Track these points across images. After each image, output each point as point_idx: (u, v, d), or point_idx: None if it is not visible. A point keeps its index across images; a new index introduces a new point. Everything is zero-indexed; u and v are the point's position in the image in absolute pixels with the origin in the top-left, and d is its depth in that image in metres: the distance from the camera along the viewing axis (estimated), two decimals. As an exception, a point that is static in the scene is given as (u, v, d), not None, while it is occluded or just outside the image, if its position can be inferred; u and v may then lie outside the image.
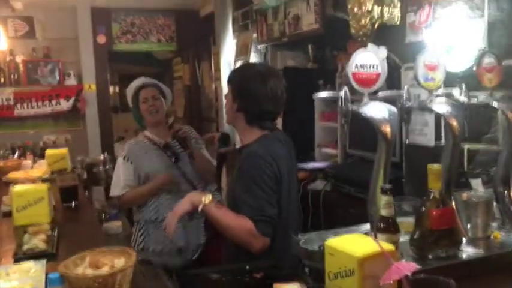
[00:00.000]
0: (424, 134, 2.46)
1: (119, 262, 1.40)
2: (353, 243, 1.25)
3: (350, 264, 1.18)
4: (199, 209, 1.72)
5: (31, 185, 2.32)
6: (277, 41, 3.97)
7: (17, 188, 2.20)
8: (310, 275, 1.39)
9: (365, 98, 1.50)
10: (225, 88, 4.93)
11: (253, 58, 4.37)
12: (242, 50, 4.44)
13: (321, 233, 1.59)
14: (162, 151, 2.66)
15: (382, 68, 1.52)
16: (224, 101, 2.04)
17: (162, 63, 7.07)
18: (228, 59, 4.79)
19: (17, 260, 1.71)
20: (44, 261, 1.60)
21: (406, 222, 1.76)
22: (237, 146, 2.21)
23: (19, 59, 4.79)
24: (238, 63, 4.49)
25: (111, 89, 6.80)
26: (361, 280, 1.15)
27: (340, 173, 3.11)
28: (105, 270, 1.36)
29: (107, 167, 3.88)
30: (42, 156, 4.38)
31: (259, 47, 4.29)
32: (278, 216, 1.76)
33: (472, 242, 1.55)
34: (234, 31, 4.73)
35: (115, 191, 2.64)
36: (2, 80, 4.69)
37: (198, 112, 5.98)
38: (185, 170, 2.65)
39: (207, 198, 1.73)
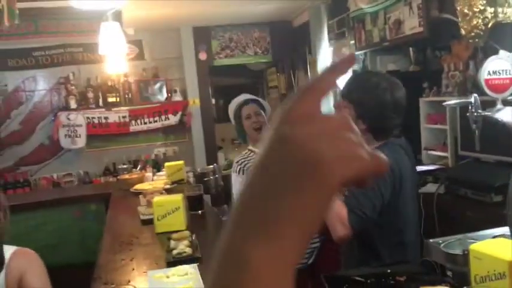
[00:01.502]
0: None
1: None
2: (499, 247, 1.29)
3: (500, 268, 1.22)
4: None
5: (168, 196, 2.56)
6: (377, 47, 3.98)
7: (157, 199, 2.44)
8: (453, 278, 1.44)
9: (498, 103, 1.52)
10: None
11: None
12: (339, 58, 4.50)
13: (458, 237, 1.63)
14: None
15: (514, 73, 1.53)
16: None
17: (255, 73, 7.31)
18: (324, 67, 4.87)
19: (169, 263, 1.91)
20: (195, 264, 1.80)
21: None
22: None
23: (132, 79, 5.23)
24: (337, 70, 4.55)
25: (210, 101, 7.14)
26: (514, 283, 1.19)
27: (455, 175, 3.06)
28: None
29: (217, 175, 4.13)
30: (155, 168, 4.75)
31: (357, 53, 4.33)
32: (386, 223, 1.82)
33: None
34: (329, 39, 4.80)
35: None
36: (118, 99, 5.15)
37: (295, 119, 6.11)
38: None
39: None
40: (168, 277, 1.72)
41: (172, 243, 2.09)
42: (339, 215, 1.77)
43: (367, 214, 1.77)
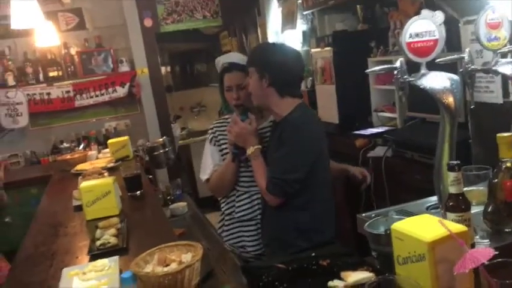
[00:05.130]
0: (491, 91, 2.31)
1: (186, 257, 1.43)
2: (422, 226, 1.19)
3: (420, 249, 1.13)
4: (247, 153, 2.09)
5: (97, 180, 2.40)
6: (323, 5, 3.81)
7: (85, 184, 2.29)
8: (377, 259, 1.36)
9: (422, 68, 1.41)
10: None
11: (300, 25, 4.25)
12: (288, 18, 4.32)
13: (388, 211, 1.55)
14: None
15: (439, 34, 1.41)
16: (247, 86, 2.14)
17: (209, 38, 7.05)
18: (274, 29, 4.69)
19: (92, 256, 1.78)
20: (116, 257, 1.66)
21: (476, 190, 1.67)
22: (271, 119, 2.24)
23: (73, 51, 4.92)
24: (286, 32, 4.38)
25: (162, 69, 6.88)
26: (434, 265, 1.11)
27: (402, 137, 2.99)
28: (173, 266, 1.39)
29: (167, 149, 3.96)
30: (105, 143, 4.55)
31: (305, 13, 4.16)
32: (311, 183, 1.93)
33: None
34: (278, 0, 4.60)
35: (203, 175, 2.43)
36: (60, 73, 4.86)
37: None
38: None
39: (251, 150, 2.06)
40: (84, 273, 1.59)
41: (98, 232, 1.95)
42: (260, 187, 1.98)
43: (287, 180, 1.88)
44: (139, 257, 1.47)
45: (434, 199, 1.77)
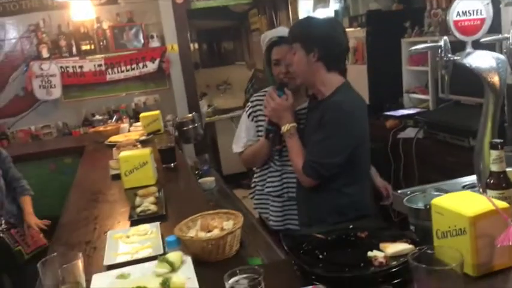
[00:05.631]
0: (529, 75, 2.29)
1: (228, 224, 1.49)
2: (462, 202, 1.22)
3: (461, 224, 1.16)
4: (281, 130, 2.01)
5: (136, 151, 2.47)
6: (358, -16, 3.79)
7: (123, 154, 2.36)
8: (415, 233, 1.39)
9: (468, 47, 1.41)
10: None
11: (333, 4, 4.22)
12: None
13: (424, 188, 1.57)
14: None
15: (486, 13, 1.41)
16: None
17: (238, 15, 7.04)
18: (306, 7, 4.66)
19: (132, 222, 1.85)
20: (158, 223, 1.74)
21: (512, 172, 1.68)
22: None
23: (105, 25, 4.98)
24: (318, 11, 4.36)
25: (191, 46, 6.91)
26: (474, 239, 1.14)
27: (434, 119, 2.99)
28: (216, 232, 1.45)
29: (196, 125, 4.02)
30: (135, 117, 4.64)
31: (338, -9, 4.13)
32: (351, 167, 1.89)
33: None
34: (310, -23, 4.57)
35: (237, 147, 2.36)
36: (93, 47, 4.94)
37: (278, 63, 5.92)
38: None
39: (286, 127, 1.99)
40: (128, 237, 1.67)
41: (138, 200, 2.02)
42: (294, 166, 1.93)
43: (323, 164, 1.84)
44: (182, 223, 1.53)
45: (468, 179, 1.79)
